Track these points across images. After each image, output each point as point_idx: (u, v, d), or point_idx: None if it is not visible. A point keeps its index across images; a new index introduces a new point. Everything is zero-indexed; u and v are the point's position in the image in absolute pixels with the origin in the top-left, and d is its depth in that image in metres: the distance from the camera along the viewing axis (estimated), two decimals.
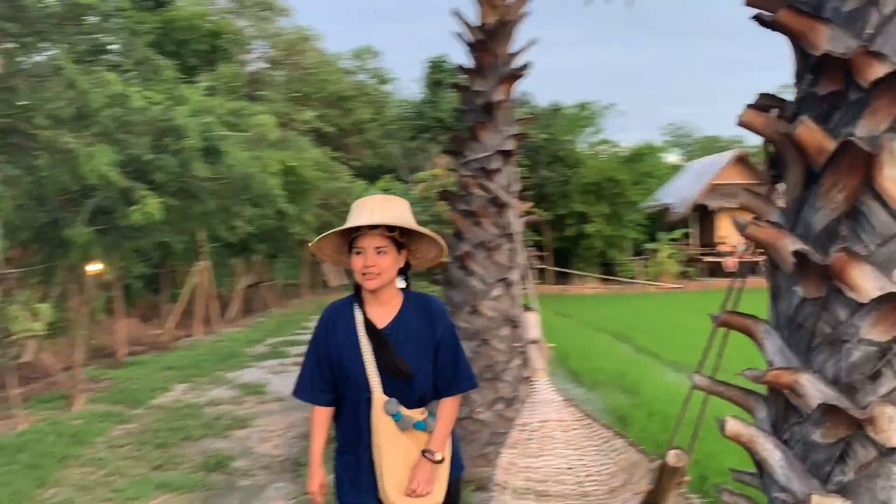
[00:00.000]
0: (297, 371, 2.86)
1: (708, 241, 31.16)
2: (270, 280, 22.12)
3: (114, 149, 6.90)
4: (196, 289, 14.69)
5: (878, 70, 1.59)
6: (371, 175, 27.80)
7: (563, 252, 29.30)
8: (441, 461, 2.67)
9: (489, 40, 5.57)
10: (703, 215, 31.20)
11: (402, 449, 2.65)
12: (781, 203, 1.87)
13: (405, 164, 28.42)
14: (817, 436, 1.67)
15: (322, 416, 2.78)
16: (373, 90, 30.27)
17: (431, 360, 2.68)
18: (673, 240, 29.22)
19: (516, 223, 5.44)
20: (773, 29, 1.76)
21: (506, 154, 5.58)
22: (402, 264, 2.69)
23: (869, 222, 1.63)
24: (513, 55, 5.68)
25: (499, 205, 5.52)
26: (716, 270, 28.61)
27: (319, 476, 2.75)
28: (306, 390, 2.78)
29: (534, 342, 4.58)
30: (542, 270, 28.74)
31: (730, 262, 25.08)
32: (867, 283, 1.59)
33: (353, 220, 2.61)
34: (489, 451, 5.13)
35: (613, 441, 4.36)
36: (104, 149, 6.59)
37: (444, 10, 5.99)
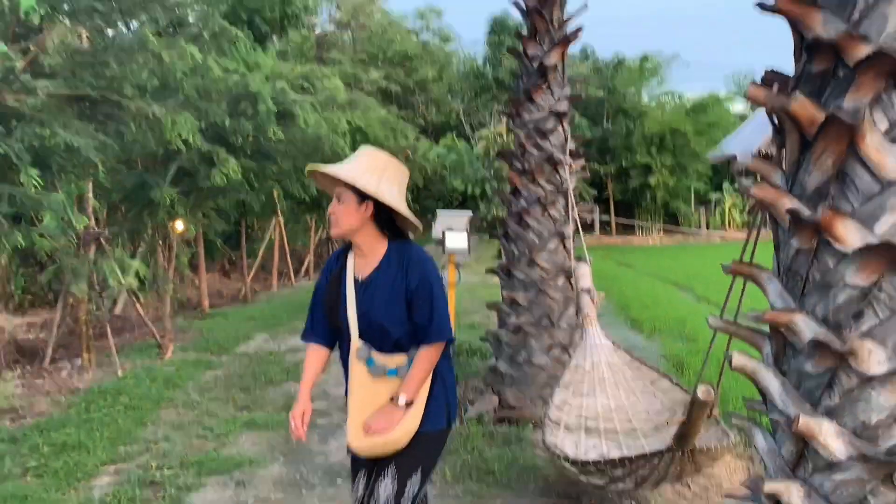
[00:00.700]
0: None
1: None
2: None
3: (195, 115, 7.38)
4: (272, 244, 15.15)
5: (862, 51, 1.81)
6: (436, 132, 27.95)
7: (627, 204, 29.05)
8: (406, 406, 2.64)
9: (543, 5, 5.77)
10: None
11: (370, 393, 2.68)
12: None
13: (468, 122, 28.43)
14: (809, 367, 1.91)
15: (314, 355, 2.88)
16: (436, 49, 30.20)
17: (404, 309, 2.68)
18: (737, 190, 28.61)
19: (570, 180, 5.71)
20: (774, 13, 2.00)
21: (560, 115, 5.81)
22: (365, 215, 2.67)
23: (854, 183, 1.87)
24: (566, 21, 5.86)
25: (553, 163, 5.78)
26: None
27: (302, 404, 2.77)
28: (307, 333, 2.90)
29: (585, 291, 4.88)
30: (605, 222, 28.65)
31: None
32: (851, 235, 1.82)
33: (324, 167, 2.75)
34: (546, 393, 5.43)
35: (660, 381, 4.63)
36: (186, 116, 7.07)
37: None
